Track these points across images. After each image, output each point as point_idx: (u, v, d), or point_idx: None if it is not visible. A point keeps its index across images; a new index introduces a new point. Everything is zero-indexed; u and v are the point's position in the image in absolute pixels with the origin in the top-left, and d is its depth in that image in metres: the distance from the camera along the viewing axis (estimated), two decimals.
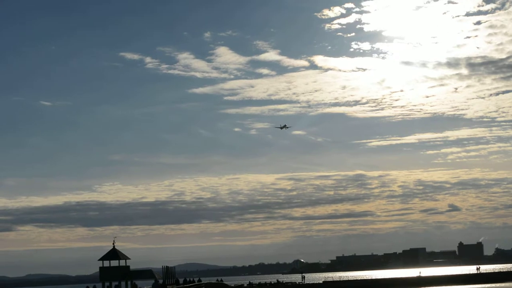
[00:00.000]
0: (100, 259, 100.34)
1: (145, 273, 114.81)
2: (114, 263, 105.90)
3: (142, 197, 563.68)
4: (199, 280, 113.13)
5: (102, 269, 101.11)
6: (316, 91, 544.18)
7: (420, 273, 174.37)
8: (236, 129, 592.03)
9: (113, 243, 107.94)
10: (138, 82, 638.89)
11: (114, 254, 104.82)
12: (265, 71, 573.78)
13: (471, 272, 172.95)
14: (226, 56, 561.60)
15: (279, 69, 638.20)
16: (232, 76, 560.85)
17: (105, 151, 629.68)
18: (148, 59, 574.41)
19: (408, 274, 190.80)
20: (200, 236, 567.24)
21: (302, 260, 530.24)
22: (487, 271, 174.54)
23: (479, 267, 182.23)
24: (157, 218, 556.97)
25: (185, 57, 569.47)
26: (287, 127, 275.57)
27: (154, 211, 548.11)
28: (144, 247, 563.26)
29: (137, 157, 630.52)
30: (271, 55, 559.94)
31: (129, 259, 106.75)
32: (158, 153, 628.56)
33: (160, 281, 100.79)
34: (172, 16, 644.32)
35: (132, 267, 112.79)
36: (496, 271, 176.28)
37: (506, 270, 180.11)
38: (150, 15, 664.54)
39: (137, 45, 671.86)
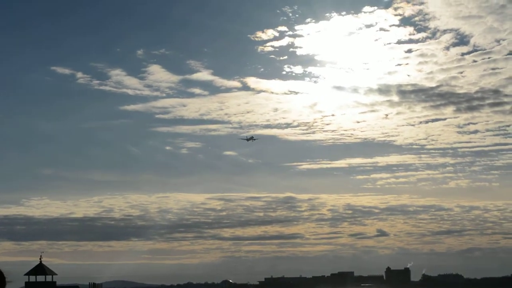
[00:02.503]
0: (26, 274, 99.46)
1: None
2: (41, 278, 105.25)
3: (70, 212, 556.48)
4: None
5: (28, 284, 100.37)
6: (248, 112, 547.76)
7: None
8: (167, 148, 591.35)
9: (40, 258, 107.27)
10: (69, 97, 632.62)
11: (40, 269, 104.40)
12: (197, 90, 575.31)
13: None
14: (158, 74, 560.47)
15: (212, 89, 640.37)
16: (164, 95, 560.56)
17: (33, 165, 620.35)
18: (79, 74, 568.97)
19: None
20: (129, 253, 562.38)
21: (230, 281, 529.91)
22: None
23: None
24: (85, 234, 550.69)
25: (117, 74, 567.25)
26: (254, 139, 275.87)
27: (82, 227, 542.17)
28: (72, 263, 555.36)
29: (66, 172, 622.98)
30: (204, 75, 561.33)
31: (56, 274, 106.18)
32: (88, 169, 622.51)
33: None
34: (105, 32, 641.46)
35: (58, 283, 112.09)
36: None
37: None
38: (83, 30, 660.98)
39: (68, 60, 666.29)
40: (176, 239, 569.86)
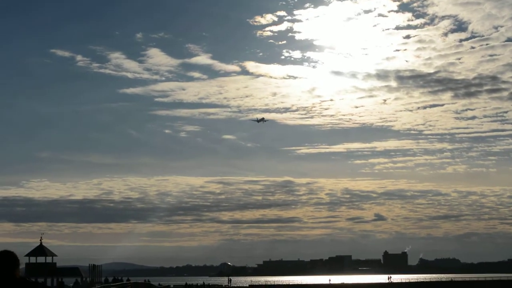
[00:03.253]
0: (26, 255, 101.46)
1: (72, 271, 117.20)
2: (41, 259, 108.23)
3: (70, 194, 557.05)
4: (128, 280, 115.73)
5: (28, 265, 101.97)
6: (247, 96, 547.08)
7: (330, 280, 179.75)
8: (167, 131, 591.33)
9: (41, 240, 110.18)
10: (68, 80, 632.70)
11: (41, 250, 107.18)
12: (196, 74, 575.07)
13: (382, 282, 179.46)
14: (157, 57, 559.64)
15: (211, 73, 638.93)
16: (163, 78, 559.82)
17: (33, 148, 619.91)
18: (79, 57, 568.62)
19: (318, 281, 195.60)
20: (128, 235, 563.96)
21: (229, 264, 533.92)
22: (402, 281, 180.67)
23: (391, 277, 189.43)
24: (85, 216, 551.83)
25: (117, 57, 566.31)
26: (265, 120, 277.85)
27: (82, 209, 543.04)
28: (72, 244, 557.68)
29: (66, 155, 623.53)
30: (203, 59, 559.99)
31: (56, 256, 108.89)
32: (87, 151, 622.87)
33: (88, 279, 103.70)
34: (104, 15, 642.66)
35: (59, 264, 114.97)
36: (407, 281, 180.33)
37: (416, 280, 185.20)
38: (82, 13, 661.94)
39: (68, 43, 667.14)
40: (175, 221, 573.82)
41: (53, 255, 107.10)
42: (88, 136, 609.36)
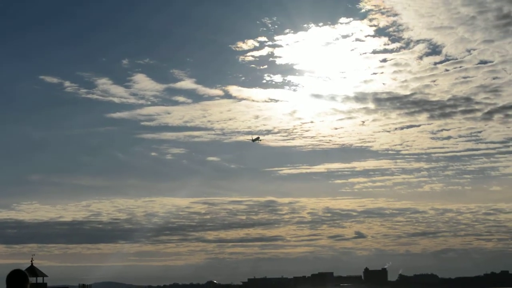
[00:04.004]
0: None
1: None
2: (32, 280, 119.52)
3: (59, 216, 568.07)
4: None
5: None
6: (230, 119, 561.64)
7: None
8: (153, 154, 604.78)
9: (31, 261, 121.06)
10: (56, 105, 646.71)
11: (32, 271, 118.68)
12: (181, 98, 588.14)
13: None
14: (143, 83, 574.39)
15: (195, 97, 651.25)
16: (149, 103, 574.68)
17: (23, 171, 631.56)
18: (67, 83, 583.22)
19: None
20: (116, 255, 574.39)
21: (215, 281, 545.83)
22: None
23: None
24: (75, 238, 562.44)
25: (104, 83, 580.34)
26: (260, 140, 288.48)
27: (71, 231, 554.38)
28: (62, 265, 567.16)
29: (55, 178, 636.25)
30: (187, 84, 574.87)
31: (47, 276, 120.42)
32: (76, 174, 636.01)
33: None
34: (91, 42, 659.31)
35: (49, 284, 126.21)
36: None
37: None
38: (70, 40, 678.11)
39: (56, 69, 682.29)
40: (162, 241, 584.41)
41: (43, 275, 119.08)
42: (76, 160, 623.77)
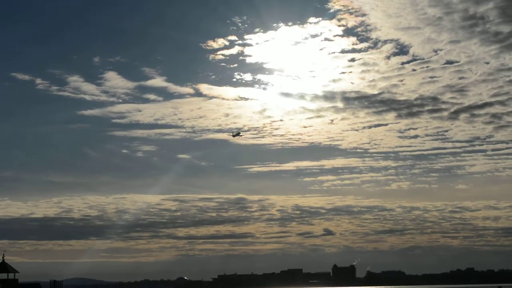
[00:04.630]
0: None
1: (33, 287, 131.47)
2: (3, 276, 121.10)
3: (31, 213, 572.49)
4: None
5: None
6: (200, 117, 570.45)
7: None
8: (124, 151, 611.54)
9: (3, 257, 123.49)
10: (28, 102, 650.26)
11: (3, 267, 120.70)
12: (152, 96, 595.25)
13: None
14: (114, 80, 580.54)
15: (166, 95, 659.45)
16: (120, 100, 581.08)
17: None
18: (38, 80, 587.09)
19: None
20: (88, 252, 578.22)
21: (185, 278, 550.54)
22: None
23: None
24: (46, 234, 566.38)
25: (75, 80, 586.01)
26: (241, 135, 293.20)
27: (42, 227, 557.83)
28: (33, 261, 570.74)
29: (26, 174, 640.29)
30: (158, 82, 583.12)
31: (18, 272, 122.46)
32: (47, 171, 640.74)
33: None
34: (63, 40, 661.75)
35: (20, 281, 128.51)
36: None
37: None
38: (42, 38, 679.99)
39: (28, 66, 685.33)
40: (133, 238, 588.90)
41: (15, 271, 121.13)
42: (48, 156, 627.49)
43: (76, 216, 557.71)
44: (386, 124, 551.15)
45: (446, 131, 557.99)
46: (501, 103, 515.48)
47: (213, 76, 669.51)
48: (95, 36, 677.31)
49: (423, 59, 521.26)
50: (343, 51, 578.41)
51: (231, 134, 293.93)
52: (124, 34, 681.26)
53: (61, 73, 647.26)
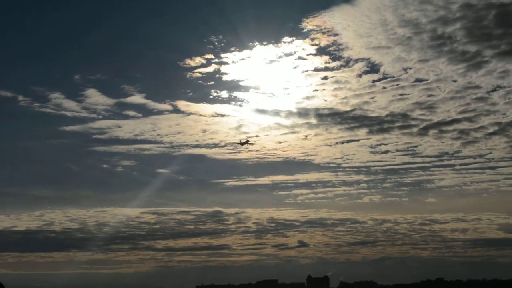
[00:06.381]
0: None
1: None
2: None
3: (13, 225, 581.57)
4: None
5: None
6: (178, 133, 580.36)
7: None
8: (104, 166, 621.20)
9: None
10: (10, 118, 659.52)
11: None
12: (131, 113, 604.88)
13: None
14: (95, 97, 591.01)
15: (145, 112, 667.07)
16: (100, 116, 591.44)
17: None
18: (20, 97, 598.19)
19: None
20: (69, 264, 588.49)
21: None
22: None
23: None
24: (28, 246, 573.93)
25: (56, 97, 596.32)
26: (250, 144, 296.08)
27: (25, 240, 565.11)
28: (16, 273, 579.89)
29: (9, 188, 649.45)
30: (137, 99, 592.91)
31: (1, 284, 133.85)
32: (29, 185, 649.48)
33: None
34: (44, 57, 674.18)
35: None
36: None
37: None
38: (23, 55, 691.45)
39: (10, 83, 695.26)
40: (113, 250, 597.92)
41: None
42: (30, 171, 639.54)
43: (57, 229, 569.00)
44: (358, 140, 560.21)
45: (416, 146, 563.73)
46: (469, 119, 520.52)
47: (191, 93, 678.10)
48: (76, 53, 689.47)
49: (393, 77, 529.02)
50: (316, 69, 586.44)
51: (239, 142, 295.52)
52: (104, 52, 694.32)
53: (42, 90, 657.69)
